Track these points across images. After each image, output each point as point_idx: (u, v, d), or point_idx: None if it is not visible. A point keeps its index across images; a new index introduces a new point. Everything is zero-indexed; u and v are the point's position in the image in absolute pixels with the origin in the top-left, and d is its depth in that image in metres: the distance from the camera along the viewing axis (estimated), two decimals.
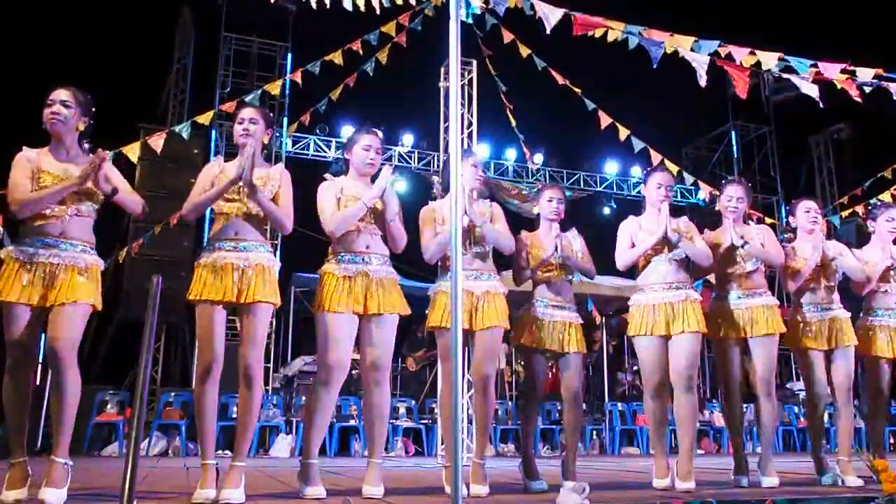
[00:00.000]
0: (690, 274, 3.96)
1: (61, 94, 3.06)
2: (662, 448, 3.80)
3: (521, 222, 3.79)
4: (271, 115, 3.44)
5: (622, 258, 3.92)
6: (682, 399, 3.77)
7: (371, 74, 6.32)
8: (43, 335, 2.98)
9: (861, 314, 4.35)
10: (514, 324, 3.77)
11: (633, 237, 3.92)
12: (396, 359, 10.20)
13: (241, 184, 3.09)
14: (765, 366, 3.95)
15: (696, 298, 3.82)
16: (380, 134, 3.49)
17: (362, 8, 4.42)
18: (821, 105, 3.14)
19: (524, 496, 3.41)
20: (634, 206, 13.66)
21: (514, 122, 7.49)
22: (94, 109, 3.15)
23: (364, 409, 3.38)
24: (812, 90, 3.14)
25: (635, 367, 11.74)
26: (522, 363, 11.35)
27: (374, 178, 3.47)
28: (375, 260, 3.32)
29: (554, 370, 8.66)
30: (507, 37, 5.54)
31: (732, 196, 4.09)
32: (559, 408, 9.09)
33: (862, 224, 4.63)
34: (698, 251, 3.87)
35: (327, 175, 3.45)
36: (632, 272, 4.04)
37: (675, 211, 4.07)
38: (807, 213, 4.32)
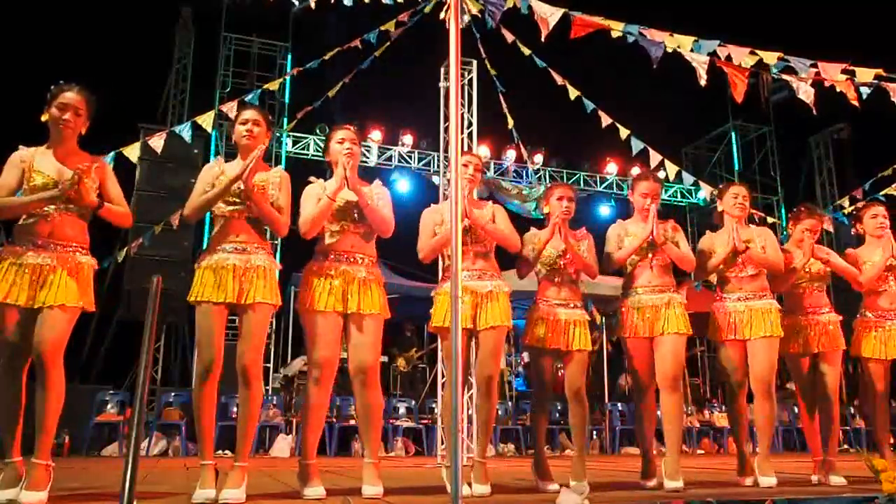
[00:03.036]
0: (675, 277, 4.01)
1: (74, 99, 3.06)
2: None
3: (521, 222, 3.79)
4: (270, 117, 3.43)
5: (609, 260, 3.94)
6: (667, 398, 3.79)
7: (371, 74, 6.32)
8: None
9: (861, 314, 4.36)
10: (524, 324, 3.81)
11: (620, 240, 3.95)
12: (390, 359, 10.19)
13: (241, 185, 3.09)
14: (763, 367, 3.93)
15: (681, 301, 3.87)
16: (351, 127, 3.45)
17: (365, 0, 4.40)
18: (814, 112, 3.15)
19: (524, 496, 3.41)
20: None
21: (511, 124, 7.49)
22: (95, 109, 3.16)
23: (357, 411, 3.35)
24: (808, 95, 3.14)
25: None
26: (528, 363, 11.39)
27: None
28: (360, 260, 3.31)
29: (558, 370, 8.58)
30: (508, 37, 5.54)
31: (738, 194, 4.10)
32: (559, 408, 9.09)
33: (852, 227, 4.61)
34: (681, 255, 3.92)
35: (311, 178, 3.43)
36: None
37: (675, 211, 4.09)
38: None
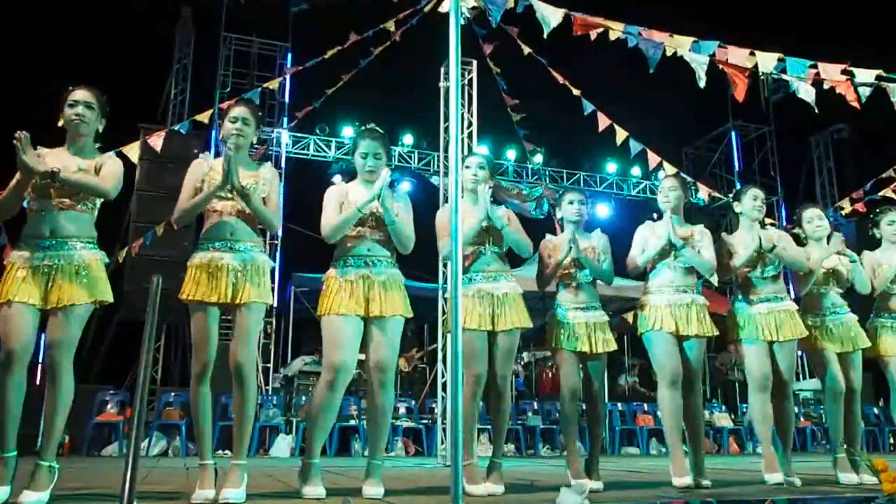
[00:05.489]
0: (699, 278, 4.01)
1: (85, 95, 3.06)
2: (680, 444, 3.78)
3: (521, 222, 3.78)
4: (261, 113, 3.40)
5: (632, 263, 3.98)
6: (688, 400, 3.80)
7: (370, 74, 6.33)
8: (42, 335, 2.97)
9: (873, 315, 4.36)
10: (545, 328, 3.84)
11: (644, 243, 3.96)
12: None
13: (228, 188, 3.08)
14: (787, 368, 3.98)
15: (703, 303, 3.89)
16: (380, 133, 3.41)
17: None
18: (816, 111, 3.15)
19: (525, 496, 3.42)
20: (634, 206, 13.71)
21: (516, 119, 7.49)
22: (108, 110, 3.17)
23: (369, 410, 3.37)
24: (809, 95, 3.14)
25: (635, 368, 11.76)
26: (526, 364, 11.40)
27: None
28: (378, 262, 3.30)
29: (553, 370, 8.61)
30: (510, 31, 5.54)
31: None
32: (559, 408, 9.10)
33: (869, 229, 4.61)
34: (701, 261, 3.90)
35: (335, 179, 3.44)
36: (637, 274, 4.11)
37: (684, 214, 4.04)
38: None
